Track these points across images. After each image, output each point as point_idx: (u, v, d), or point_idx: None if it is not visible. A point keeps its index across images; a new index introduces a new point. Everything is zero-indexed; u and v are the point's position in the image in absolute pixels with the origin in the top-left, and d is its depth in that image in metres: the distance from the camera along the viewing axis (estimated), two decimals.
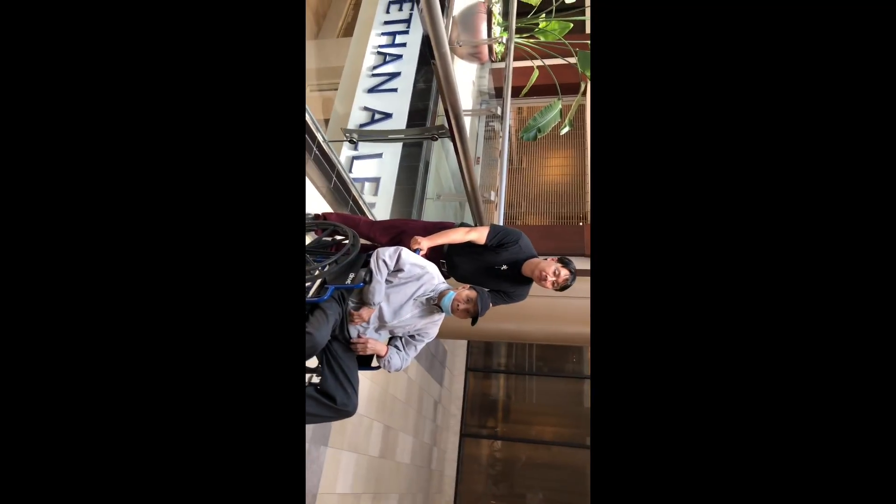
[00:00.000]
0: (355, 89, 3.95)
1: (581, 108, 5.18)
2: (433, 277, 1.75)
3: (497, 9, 4.41)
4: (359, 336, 1.69)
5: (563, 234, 5.90)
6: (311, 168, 2.11)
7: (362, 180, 3.54)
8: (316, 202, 2.19)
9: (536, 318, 3.60)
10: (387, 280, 1.70)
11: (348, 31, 4.72)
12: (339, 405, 1.59)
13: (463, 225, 1.97)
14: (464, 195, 3.12)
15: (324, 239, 1.87)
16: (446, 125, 1.98)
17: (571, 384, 5.58)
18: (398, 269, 1.70)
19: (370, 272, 1.66)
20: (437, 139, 2.71)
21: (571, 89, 6.06)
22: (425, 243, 1.82)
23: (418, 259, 1.75)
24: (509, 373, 5.91)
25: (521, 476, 5.31)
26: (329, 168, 2.19)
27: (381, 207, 3.42)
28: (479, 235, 1.92)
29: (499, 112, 3.52)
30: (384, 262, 1.66)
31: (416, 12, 4.24)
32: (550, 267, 1.84)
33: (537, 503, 5.10)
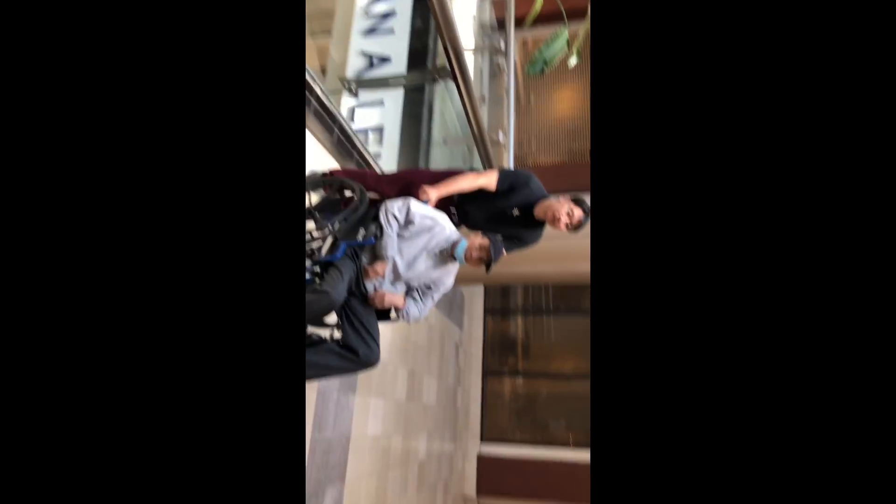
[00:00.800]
0: (350, 33, 3.78)
1: (589, 35, 4.88)
2: (444, 228, 1.74)
3: None
4: (375, 290, 1.70)
5: (575, 173, 5.77)
6: (311, 122, 2.06)
7: (365, 130, 3.45)
8: (320, 156, 2.16)
9: (551, 259, 3.59)
10: (398, 234, 1.70)
11: None
12: (361, 357, 1.63)
13: (471, 170, 1.93)
14: (471, 138, 3.04)
15: (333, 197, 1.86)
16: (447, 65, 1.89)
17: (588, 321, 5.67)
18: (408, 222, 1.69)
19: (380, 227, 1.66)
20: (438, 81, 2.60)
21: (578, 14, 5.70)
22: (433, 193, 1.78)
23: (428, 210, 1.74)
24: (527, 313, 6.01)
25: (543, 408, 5.53)
26: (331, 121, 2.13)
27: (386, 157, 3.36)
28: (489, 180, 1.87)
29: (502, 47, 3.34)
30: (393, 215, 1.66)
31: None
32: (563, 207, 1.78)
33: (560, 430, 5.33)
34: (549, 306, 5.95)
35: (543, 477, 4.87)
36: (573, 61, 4.47)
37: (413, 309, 1.77)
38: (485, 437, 5.28)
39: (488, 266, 1.66)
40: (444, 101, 3.98)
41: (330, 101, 2.07)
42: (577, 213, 1.80)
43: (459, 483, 4.88)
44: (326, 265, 1.63)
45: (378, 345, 1.70)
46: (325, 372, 1.65)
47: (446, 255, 1.72)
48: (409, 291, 1.80)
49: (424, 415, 3.72)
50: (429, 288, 1.81)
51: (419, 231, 1.71)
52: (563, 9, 4.46)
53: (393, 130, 3.44)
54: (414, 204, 1.71)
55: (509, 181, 1.88)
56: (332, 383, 2.22)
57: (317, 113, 2.03)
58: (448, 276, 1.80)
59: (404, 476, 3.27)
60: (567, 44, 4.20)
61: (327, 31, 4.04)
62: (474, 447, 5.18)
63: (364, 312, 1.70)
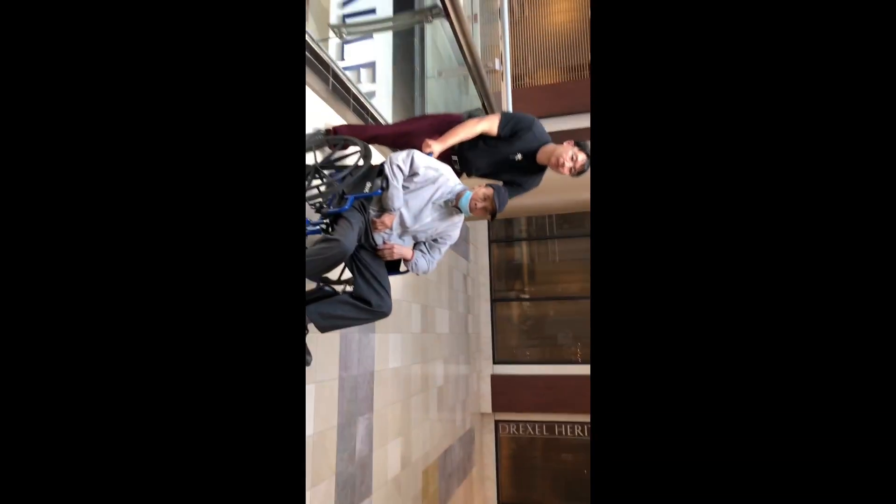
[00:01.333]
0: None
1: None
2: (448, 179, 1.76)
3: None
4: (384, 242, 1.75)
5: (573, 91, 5.60)
6: (307, 74, 2.01)
7: (356, 68, 3.33)
8: (317, 106, 2.12)
9: (554, 190, 3.59)
10: (403, 186, 1.72)
11: None
12: (374, 307, 1.70)
13: (470, 117, 1.90)
14: (466, 68, 2.94)
15: (337, 153, 1.86)
16: (438, 3, 1.80)
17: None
18: (413, 173, 1.71)
19: (386, 178, 1.69)
20: (431, 21, 2.48)
21: None
22: (437, 146, 1.78)
23: (431, 161, 1.75)
24: (531, 239, 6.10)
25: (549, 328, 5.79)
26: (324, 70, 2.08)
27: (381, 95, 3.27)
28: (490, 125, 1.86)
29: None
30: (398, 166, 1.68)
31: None
32: (567, 152, 1.79)
33: (568, 340, 5.62)
34: (553, 231, 6.03)
35: (553, 391, 5.22)
36: None
37: (421, 261, 1.81)
38: (496, 358, 5.59)
39: (493, 215, 1.69)
40: (436, 29, 3.79)
41: (321, 49, 2.00)
42: (581, 156, 1.81)
43: (476, 402, 5.25)
44: (336, 217, 1.67)
45: (389, 295, 1.76)
46: (340, 322, 1.72)
47: (451, 206, 1.75)
48: (416, 245, 1.85)
49: (439, 343, 3.94)
50: (435, 241, 1.84)
51: (424, 182, 1.73)
52: None
53: (385, 65, 3.31)
54: (418, 155, 1.71)
55: (511, 125, 1.87)
56: (349, 330, 2.35)
57: (309, 63, 1.97)
58: (454, 228, 1.84)
59: (425, 400, 3.54)
60: None
61: None
62: (487, 368, 5.51)
63: (374, 264, 1.75)
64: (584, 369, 5.23)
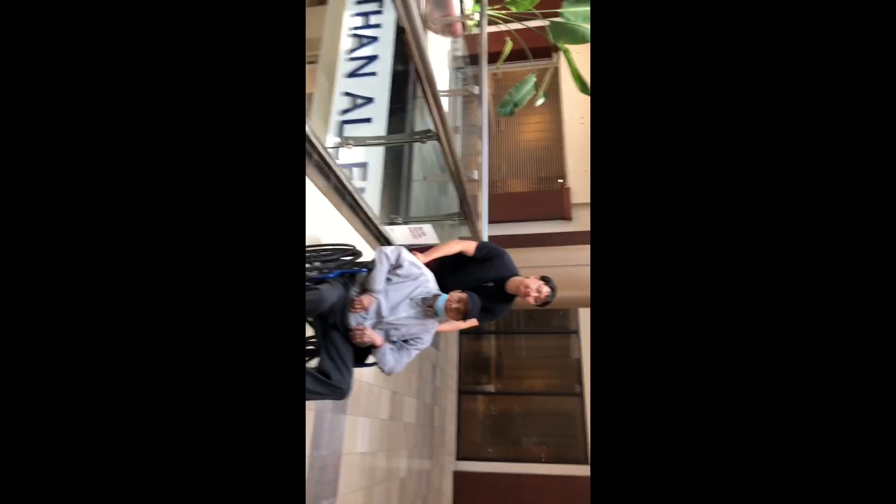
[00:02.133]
0: (335, 74, 4.04)
1: (553, 76, 5.31)
2: (429, 281, 1.91)
3: None
4: (357, 325, 1.81)
5: (543, 200, 6.17)
6: (312, 172, 2.30)
7: (350, 166, 3.69)
8: (318, 200, 2.40)
9: None
10: (387, 278, 1.85)
11: None
12: (334, 381, 1.73)
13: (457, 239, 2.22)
14: (446, 175, 3.34)
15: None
16: (433, 129, 2.18)
17: (558, 339, 5.99)
18: (398, 265, 1.86)
19: (373, 262, 1.87)
20: (426, 142, 2.90)
21: (543, 53, 6.14)
22: (423, 258, 2.02)
23: (416, 260, 1.92)
24: (500, 332, 6.29)
25: (516, 425, 5.78)
26: (327, 168, 2.38)
27: (371, 191, 3.60)
28: (468, 247, 2.14)
29: (476, 91, 3.68)
30: (386, 255, 1.86)
31: None
32: (534, 284, 2.00)
33: (532, 445, 5.58)
34: (521, 325, 6.26)
35: (516, 491, 5.09)
36: (540, 101, 4.88)
37: (389, 356, 1.85)
38: (460, 454, 5.48)
39: (465, 317, 1.81)
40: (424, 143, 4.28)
41: (328, 153, 2.32)
42: (545, 290, 2.01)
43: (437, 499, 5.05)
44: (320, 280, 1.81)
45: (351, 376, 1.79)
46: None
47: (428, 305, 1.86)
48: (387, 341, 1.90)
49: (405, 433, 3.92)
50: (406, 342, 1.91)
51: (406, 277, 1.86)
52: (528, 49, 4.87)
53: (377, 166, 3.68)
54: (405, 251, 1.89)
55: (486, 250, 2.14)
56: (327, 405, 2.43)
57: (317, 164, 2.27)
58: (426, 333, 1.93)
59: (388, 491, 3.46)
60: (535, 86, 4.60)
61: (311, 58, 4.27)
62: (450, 464, 5.37)
63: (343, 346, 1.80)
64: (549, 469, 5.18)
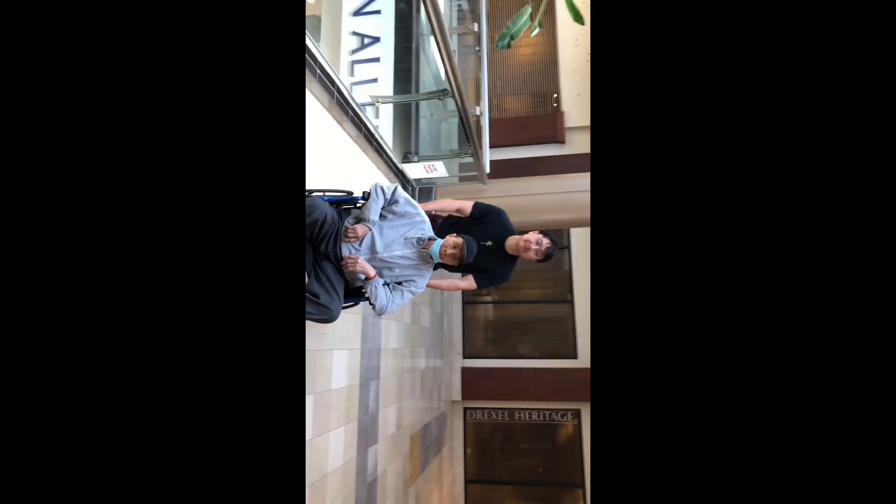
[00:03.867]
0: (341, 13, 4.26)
1: (549, 4, 5.41)
2: (424, 221, 1.86)
3: None
4: (350, 254, 1.76)
5: (538, 124, 6.53)
6: (335, 111, 2.73)
7: (364, 105, 4.06)
8: (343, 141, 2.86)
9: (525, 212, 4.32)
10: (381, 215, 1.82)
11: None
12: (322, 302, 1.69)
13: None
14: (453, 112, 3.76)
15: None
16: (448, 89, 2.58)
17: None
18: (394, 201, 1.83)
19: (368, 194, 1.82)
20: (442, 99, 3.28)
21: None
22: (422, 208, 1.99)
23: (412, 200, 1.88)
24: None
25: (513, 328, 6.63)
26: (348, 108, 2.80)
27: (384, 128, 4.01)
28: (465, 206, 2.15)
29: (475, 29, 3.97)
30: (382, 189, 1.82)
31: None
32: (533, 237, 2.00)
33: (527, 345, 6.47)
34: None
35: (515, 381, 6.03)
36: (535, 31, 5.11)
37: (381, 292, 1.76)
38: (466, 353, 6.36)
39: (460, 264, 1.78)
40: (426, 59, 4.59)
41: (351, 97, 2.71)
42: (545, 241, 2.00)
43: (448, 390, 5.99)
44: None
45: (340, 302, 1.74)
46: None
47: (423, 248, 1.81)
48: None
49: (423, 334, 4.68)
50: (399, 284, 1.84)
51: (401, 215, 1.82)
52: None
53: (387, 107, 4.06)
54: (401, 189, 1.84)
55: (483, 209, 2.14)
56: (368, 310, 3.08)
57: (340, 105, 2.67)
58: (420, 277, 1.87)
59: (413, 380, 4.27)
60: (530, 17, 4.82)
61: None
62: (458, 362, 6.27)
63: (334, 276, 1.75)
64: (539, 363, 6.08)
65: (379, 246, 1.79)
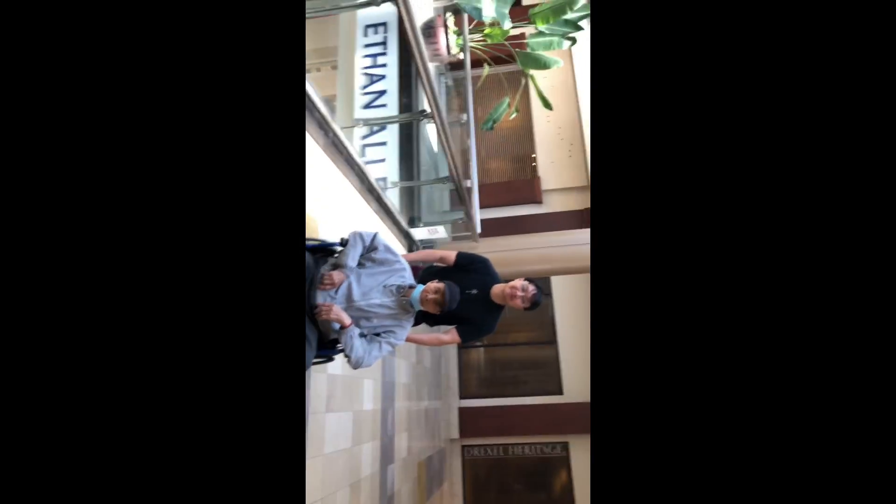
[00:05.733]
0: (353, 103, 5.20)
1: (524, 92, 6.50)
2: (404, 269, 1.81)
3: (450, 21, 5.65)
4: (324, 303, 1.65)
5: (519, 188, 7.49)
6: (356, 184, 3.55)
7: (377, 180, 4.91)
8: (352, 196, 3.65)
9: (519, 263, 5.03)
10: (360, 263, 1.76)
11: None
12: None
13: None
14: (440, 181, 4.64)
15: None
16: (427, 110, 3.39)
17: None
18: (373, 248, 1.77)
19: (346, 241, 1.77)
20: (421, 120, 4.17)
21: (514, 78, 7.37)
22: (404, 260, 1.94)
23: (391, 246, 1.82)
24: None
25: (504, 369, 7.27)
26: (352, 167, 3.62)
27: (393, 198, 4.85)
28: (448, 255, 2.11)
29: (463, 119, 4.93)
30: (360, 236, 1.77)
31: (389, 36, 5.40)
32: (519, 283, 1.96)
33: (517, 384, 7.08)
34: None
35: (508, 417, 6.61)
36: (513, 115, 6.15)
37: (357, 343, 1.66)
38: (462, 394, 6.95)
39: (443, 309, 1.69)
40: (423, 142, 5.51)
41: (357, 158, 3.53)
42: (531, 288, 1.97)
43: (447, 429, 6.53)
44: None
45: (313, 350, 1.65)
46: None
47: (402, 296, 1.74)
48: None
49: (425, 375, 5.33)
50: (377, 335, 1.75)
51: (380, 262, 1.76)
52: (503, 76, 6.05)
53: (394, 177, 4.92)
54: (381, 236, 1.77)
55: (467, 258, 2.09)
56: None
57: (346, 159, 3.40)
58: (400, 329, 1.79)
59: (418, 415, 4.87)
60: (507, 105, 5.85)
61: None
62: (455, 402, 6.85)
63: (306, 324, 1.63)
64: (532, 401, 6.69)
65: (356, 294, 1.72)
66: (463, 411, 6.76)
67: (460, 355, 7.12)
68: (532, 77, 5.64)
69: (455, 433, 6.66)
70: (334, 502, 2.62)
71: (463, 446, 6.82)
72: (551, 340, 7.01)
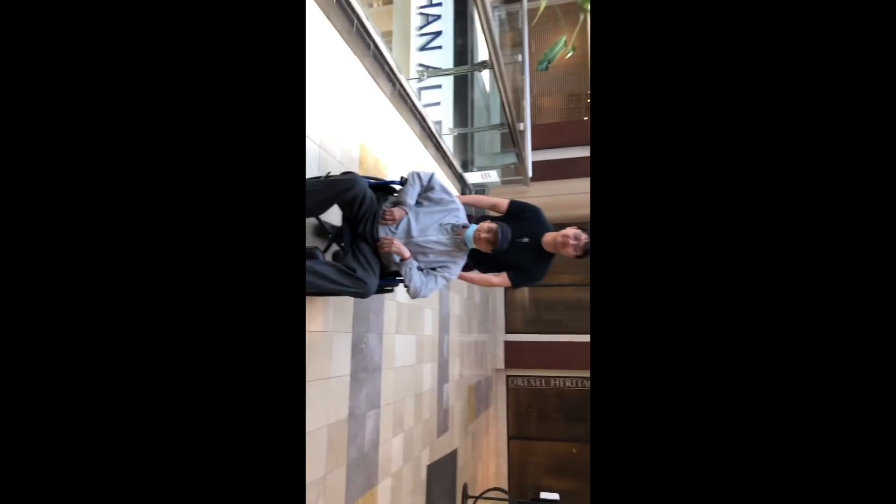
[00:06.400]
0: (409, 45, 5.29)
1: (581, 29, 6.26)
2: (459, 210, 1.91)
3: None
4: (386, 236, 1.79)
5: (571, 130, 7.42)
6: (411, 120, 3.76)
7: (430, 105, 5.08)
8: (417, 147, 3.88)
9: (571, 207, 5.17)
10: (418, 202, 1.88)
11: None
12: (359, 275, 1.68)
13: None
14: (494, 127, 4.74)
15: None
16: (487, 60, 3.49)
17: None
18: (430, 188, 1.88)
19: (406, 180, 1.90)
20: (481, 70, 4.24)
21: (572, 12, 7.06)
22: (459, 201, 2.01)
23: (448, 186, 1.92)
24: None
25: (547, 308, 7.59)
26: (415, 113, 3.83)
27: (447, 140, 5.03)
28: (501, 203, 2.15)
29: (518, 59, 4.91)
30: (418, 175, 1.89)
31: None
32: (571, 232, 1.97)
33: (559, 322, 7.42)
34: None
35: (549, 353, 7.01)
36: (569, 54, 6.02)
37: (416, 275, 1.78)
38: (507, 329, 7.38)
39: (495, 248, 1.78)
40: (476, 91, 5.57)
41: (415, 95, 3.74)
42: (583, 237, 1.97)
43: (493, 360, 7.04)
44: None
45: (376, 279, 1.74)
46: (318, 280, 1.62)
47: (457, 234, 1.84)
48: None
49: (475, 309, 5.73)
50: (433, 269, 1.86)
51: (437, 202, 1.87)
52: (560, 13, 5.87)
53: (448, 122, 5.07)
54: (437, 177, 1.86)
55: (519, 206, 2.13)
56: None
57: (409, 106, 3.61)
58: (454, 264, 1.88)
59: (469, 345, 5.32)
60: (564, 43, 5.74)
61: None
62: (501, 336, 7.30)
63: (370, 255, 1.77)
64: (572, 338, 7.03)
65: (414, 230, 1.83)
66: (508, 345, 7.21)
67: (506, 294, 7.48)
68: (589, 10, 5.46)
69: (500, 364, 7.16)
70: (403, 406, 3.09)
71: (508, 376, 7.34)
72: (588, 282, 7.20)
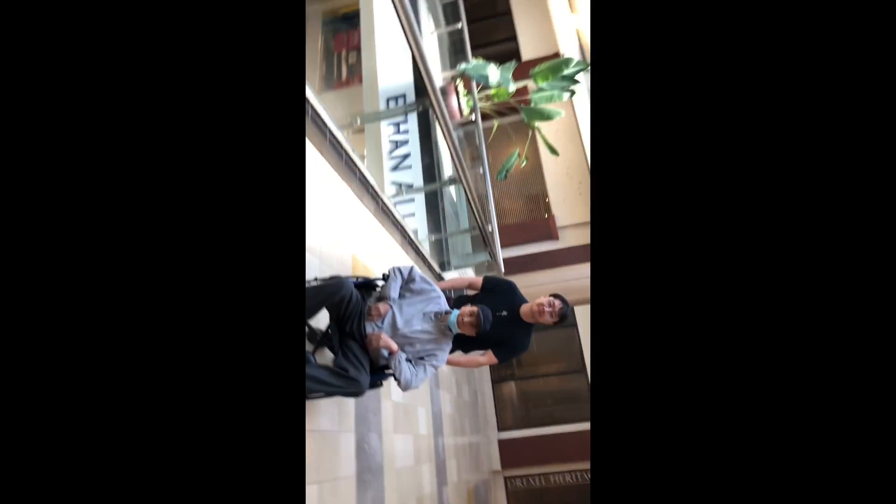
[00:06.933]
0: (382, 166, 5.88)
1: (532, 142, 7.18)
2: (440, 297, 2.00)
3: (460, 86, 6.39)
4: (373, 332, 1.85)
5: (533, 226, 8.04)
6: (392, 230, 4.12)
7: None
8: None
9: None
10: (400, 294, 1.97)
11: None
12: (351, 375, 1.72)
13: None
14: (467, 231, 5.20)
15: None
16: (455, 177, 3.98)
17: (562, 332, 7.80)
18: (410, 280, 1.99)
19: (387, 276, 2.01)
20: (450, 184, 4.75)
21: (521, 128, 8.08)
22: (438, 288, 2.10)
23: (427, 277, 2.03)
24: None
25: (537, 400, 7.56)
26: (396, 224, 4.20)
27: (424, 244, 5.42)
28: (475, 281, 2.31)
29: (480, 172, 5.56)
30: (399, 270, 2.01)
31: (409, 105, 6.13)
32: (545, 300, 2.10)
33: (550, 413, 7.36)
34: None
35: (543, 446, 6.87)
36: (524, 164, 6.78)
37: (405, 367, 1.83)
38: (499, 427, 7.25)
39: (478, 331, 1.85)
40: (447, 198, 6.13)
41: (398, 214, 4.13)
42: (557, 303, 2.09)
43: (489, 461, 6.81)
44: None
45: (368, 376, 1.79)
46: (316, 385, 1.67)
47: (440, 321, 1.91)
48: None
49: (464, 410, 5.72)
50: (421, 359, 1.91)
51: (418, 292, 1.97)
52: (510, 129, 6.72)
53: (423, 231, 5.51)
54: (416, 269, 1.99)
55: (493, 282, 2.26)
56: (438, 381, 4.22)
57: (388, 215, 4.02)
58: (441, 352, 1.95)
59: (465, 446, 5.24)
60: (518, 155, 6.50)
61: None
62: (494, 435, 7.14)
63: (359, 352, 1.81)
64: (565, 429, 6.96)
65: (399, 322, 1.90)
66: (502, 443, 7.05)
67: (494, 389, 7.48)
68: (538, 128, 6.29)
69: (497, 465, 6.92)
70: None
71: (506, 478, 7.06)
72: (580, 369, 7.33)
